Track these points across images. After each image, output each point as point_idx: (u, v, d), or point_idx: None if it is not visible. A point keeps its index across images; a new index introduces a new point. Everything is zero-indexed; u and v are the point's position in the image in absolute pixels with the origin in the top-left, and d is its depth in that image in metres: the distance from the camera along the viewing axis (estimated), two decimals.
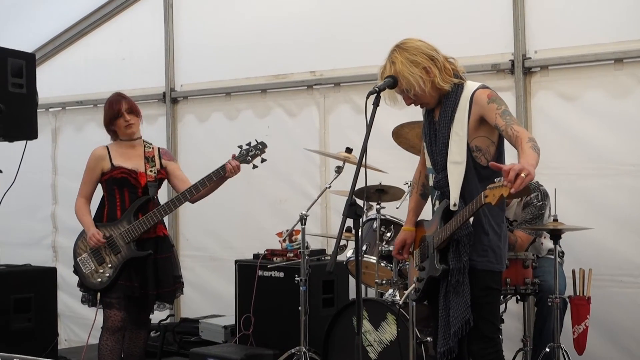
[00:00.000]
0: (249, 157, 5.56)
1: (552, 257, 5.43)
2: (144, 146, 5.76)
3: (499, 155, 4.17)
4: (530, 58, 6.44)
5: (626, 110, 6.05)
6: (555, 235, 5.39)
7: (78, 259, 5.60)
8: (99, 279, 5.52)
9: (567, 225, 5.44)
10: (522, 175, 3.52)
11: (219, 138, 8.08)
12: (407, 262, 5.44)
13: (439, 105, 4.23)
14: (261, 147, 5.59)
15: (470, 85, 4.18)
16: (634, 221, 6.00)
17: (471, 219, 3.95)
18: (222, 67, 8.19)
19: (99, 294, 5.56)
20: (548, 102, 6.40)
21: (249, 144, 5.59)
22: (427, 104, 4.23)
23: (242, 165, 5.55)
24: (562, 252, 5.90)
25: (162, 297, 5.73)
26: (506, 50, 6.53)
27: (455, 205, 4.08)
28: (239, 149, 5.58)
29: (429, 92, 4.15)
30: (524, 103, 6.41)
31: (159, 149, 5.83)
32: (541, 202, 5.66)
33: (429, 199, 4.46)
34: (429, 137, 4.30)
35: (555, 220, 5.39)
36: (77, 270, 5.62)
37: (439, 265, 4.15)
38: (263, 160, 5.59)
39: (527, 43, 6.47)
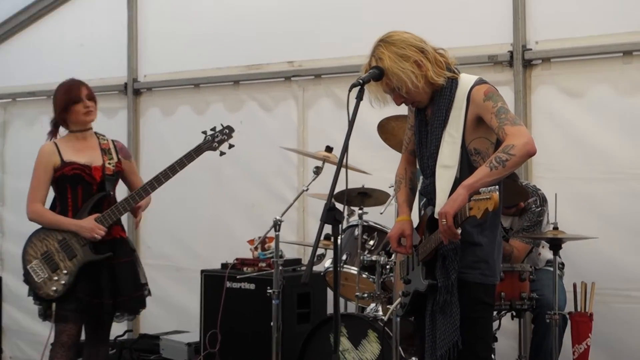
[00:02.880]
0: (215, 143, 5.58)
1: (551, 269, 5.42)
2: (98, 138, 5.72)
3: None
4: (530, 49, 6.43)
5: (635, 108, 6.05)
6: (555, 245, 5.39)
7: (28, 267, 5.53)
8: (54, 288, 5.46)
9: (568, 234, 5.44)
10: (442, 222, 3.76)
11: (185, 134, 7.83)
12: (390, 273, 5.44)
13: (432, 103, 4.20)
14: (228, 132, 5.62)
15: (466, 80, 4.15)
16: None
17: (459, 230, 3.92)
18: (190, 56, 8.17)
19: (54, 305, 5.50)
20: (550, 98, 6.40)
21: (214, 129, 5.61)
22: (420, 102, 4.20)
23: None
24: (562, 264, 5.90)
25: (121, 307, 5.67)
26: (504, 40, 6.52)
27: None
28: (203, 135, 5.60)
29: (422, 88, 4.11)
30: (523, 99, 6.41)
31: (113, 141, 5.78)
32: (540, 208, 5.67)
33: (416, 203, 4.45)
34: (419, 138, 4.27)
35: (555, 228, 5.39)
36: (27, 279, 5.55)
37: (425, 280, 4.13)
38: (231, 146, 5.60)
39: (528, 33, 6.46)
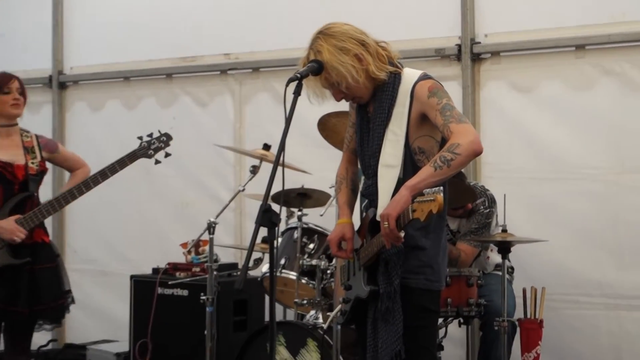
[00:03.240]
0: (151, 151, 5.53)
1: (500, 273, 5.44)
2: (22, 135, 5.64)
3: None
4: (479, 43, 6.48)
5: (589, 105, 6.12)
6: (504, 248, 5.40)
7: None
8: None
9: (518, 237, 5.46)
10: (385, 225, 3.75)
11: (115, 130, 8.00)
12: (331, 278, 5.43)
13: (373, 99, 4.19)
14: (165, 140, 5.58)
15: (409, 75, 4.14)
16: (595, 233, 6.07)
17: (402, 233, 3.91)
18: (120, 47, 8.12)
19: None
20: (499, 93, 6.45)
21: (150, 135, 5.56)
22: (361, 97, 4.18)
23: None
24: (512, 268, 5.93)
25: (41, 316, 5.59)
26: (452, 33, 6.55)
27: None
28: (139, 141, 5.55)
29: (363, 83, 4.09)
30: (472, 94, 6.45)
31: (37, 137, 5.71)
32: (488, 210, 5.69)
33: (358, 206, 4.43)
34: (361, 136, 4.25)
35: (504, 231, 5.40)
36: None
37: (367, 286, 4.11)
38: (167, 155, 5.57)
39: (477, 25, 6.50)
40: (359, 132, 4.27)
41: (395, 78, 4.11)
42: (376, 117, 4.14)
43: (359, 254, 4.19)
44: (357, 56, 4.05)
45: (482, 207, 5.70)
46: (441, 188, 3.65)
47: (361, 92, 4.13)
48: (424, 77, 4.11)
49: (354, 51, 4.04)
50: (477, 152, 3.89)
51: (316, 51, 4.05)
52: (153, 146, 5.53)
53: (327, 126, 5.73)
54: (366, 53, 4.07)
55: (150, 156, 5.54)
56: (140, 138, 5.56)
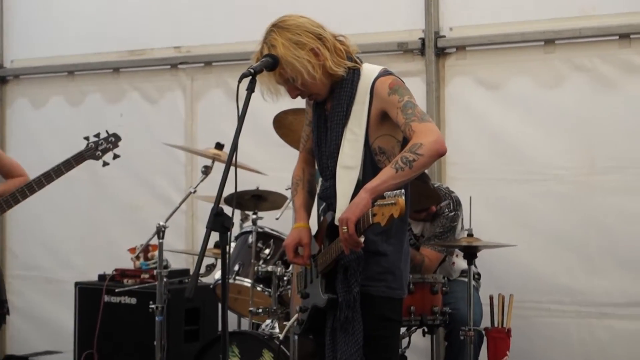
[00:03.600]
0: (99, 152, 5.53)
1: (466, 280, 5.45)
2: None
3: None
4: (444, 36, 6.49)
5: (558, 102, 6.16)
6: (470, 253, 5.41)
7: None
8: None
9: (485, 242, 5.47)
10: (343, 229, 3.74)
11: (59, 128, 7.98)
12: (287, 285, 5.41)
13: (331, 97, 4.17)
14: (113, 140, 5.58)
15: (369, 71, 4.12)
16: (565, 237, 6.11)
17: (362, 238, 3.90)
18: (64, 39, 8.07)
19: None
20: (465, 90, 6.47)
21: (97, 136, 5.55)
22: (317, 94, 4.16)
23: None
24: (478, 274, 5.94)
25: None
26: (415, 26, 6.56)
27: None
28: (86, 142, 5.53)
29: (320, 79, 4.07)
30: (436, 91, 6.46)
31: None
32: (453, 213, 5.69)
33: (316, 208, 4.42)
34: (318, 135, 4.24)
35: (470, 235, 5.41)
36: None
37: (325, 295, 4.10)
38: (116, 157, 5.58)
39: (441, 18, 6.52)
40: (315, 131, 4.25)
41: (354, 74, 4.10)
42: (334, 116, 4.12)
43: (316, 260, 4.18)
44: (314, 50, 4.03)
45: (446, 210, 5.71)
46: (403, 191, 3.64)
47: (318, 89, 4.11)
48: (385, 73, 4.10)
49: (310, 45, 4.02)
50: (441, 153, 3.89)
51: (270, 45, 4.03)
52: (100, 147, 5.52)
53: (283, 124, 5.71)
54: (323, 47, 4.05)
55: (97, 158, 5.53)
56: (87, 138, 5.54)
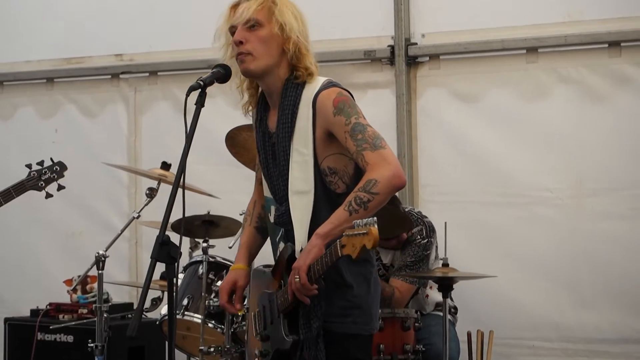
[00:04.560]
0: (42, 182, 5.54)
1: (441, 314, 5.46)
2: None
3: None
4: (415, 44, 6.54)
5: (542, 117, 6.21)
6: (446, 285, 5.42)
7: None
8: None
9: (461, 272, 5.49)
10: (295, 279, 3.81)
11: None
12: (242, 322, 5.42)
13: (275, 108, 4.16)
14: (58, 170, 5.58)
15: (313, 82, 4.09)
16: (551, 266, 6.15)
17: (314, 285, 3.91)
18: None
19: None
20: (439, 103, 6.51)
21: (41, 163, 5.56)
22: (254, 70, 4.04)
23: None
24: (455, 308, 5.96)
25: None
26: (384, 32, 6.61)
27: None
28: (28, 170, 5.53)
29: (279, 55, 4.03)
30: (407, 104, 6.49)
31: None
32: (426, 240, 5.70)
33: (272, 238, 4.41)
34: (264, 156, 4.22)
35: (446, 265, 5.42)
36: None
37: (289, 337, 4.09)
38: (60, 188, 5.58)
39: (412, 23, 6.57)
40: (262, 151, 4.21)
41: (299, 84, 4.10)
42: (280, 131, 4.08)
43: (275, 299, 4.17)
44: (302, 34, 4.06)
45: (419, 237, 5.72)
46: (375, 219, 3.63)
47: (264, 54, 4.02)
48: (328, 85, 4.05)
49: (301, 27, 4.06)
50: (399, 187, 3.90)
51: (271, 1, 4.03)
52: (44, 177, 5.52)
53: (237, 141, 5.71)
54: (307, 42, 4.09)
55: (40, 188, 5.53)
56: (29, 167, 5.53)
